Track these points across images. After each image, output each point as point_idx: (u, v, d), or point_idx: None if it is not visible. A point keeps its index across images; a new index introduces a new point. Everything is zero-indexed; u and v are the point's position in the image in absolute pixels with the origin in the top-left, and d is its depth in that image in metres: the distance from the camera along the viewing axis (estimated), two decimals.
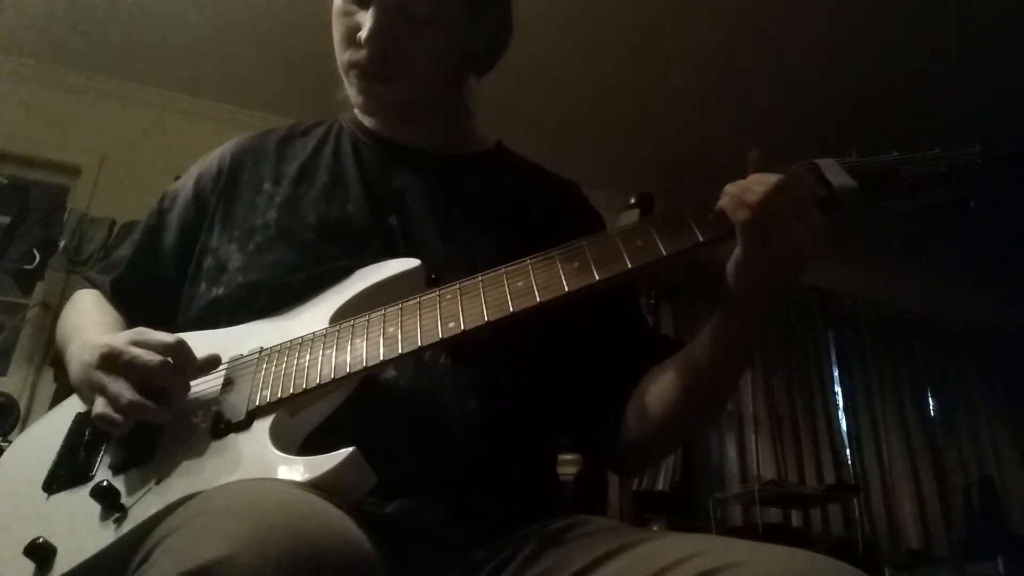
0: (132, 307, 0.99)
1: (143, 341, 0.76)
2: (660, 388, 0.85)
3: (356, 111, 1.04)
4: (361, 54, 0.93)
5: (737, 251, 0.71)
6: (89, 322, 0.93)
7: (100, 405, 0.74)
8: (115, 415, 0.72)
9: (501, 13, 1.01)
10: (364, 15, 0.92)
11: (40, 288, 3.18)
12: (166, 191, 1.06)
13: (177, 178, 1.06)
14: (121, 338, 0.77)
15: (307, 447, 0.73)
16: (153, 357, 0.74)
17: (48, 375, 3.01)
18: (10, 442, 2.44)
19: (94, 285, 1.03)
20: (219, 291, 0.90)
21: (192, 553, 0.49)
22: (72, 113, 3.46)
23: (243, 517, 0.51)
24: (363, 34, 0.91)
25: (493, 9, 1.00)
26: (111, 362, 0.75)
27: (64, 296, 3.15)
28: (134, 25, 3.25)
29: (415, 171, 0.98)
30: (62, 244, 3.18)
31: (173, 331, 0.90)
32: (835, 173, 0.72)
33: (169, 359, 0.75)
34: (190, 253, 0.97)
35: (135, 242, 1.04)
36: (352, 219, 0.92)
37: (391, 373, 0.81)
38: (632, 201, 1.53)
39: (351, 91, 0.97)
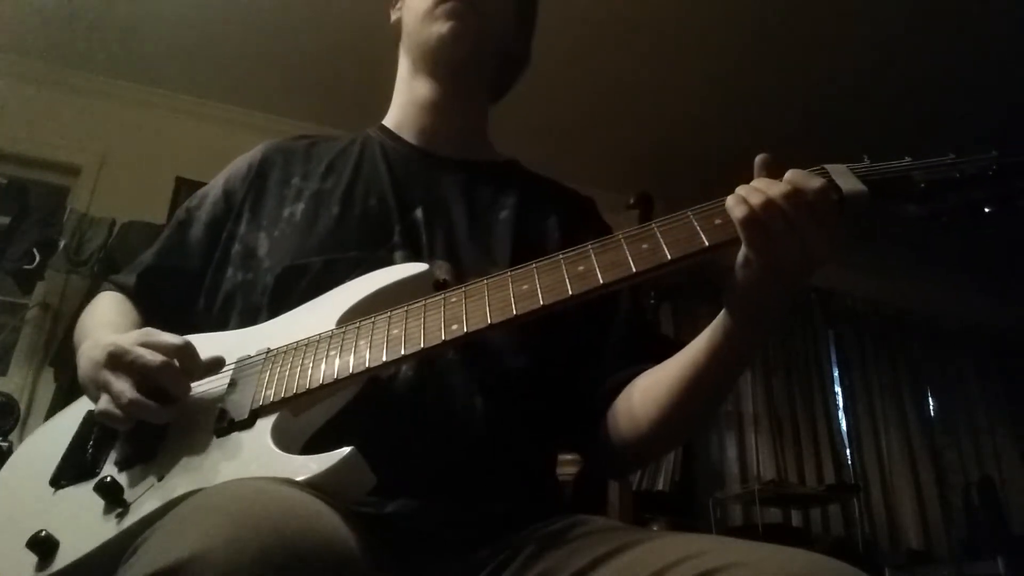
0: (155, 301, 1.00)
1: (149, 342, 0.77)
2: (655, 387, 0.85)
3: (399, 106, 1.10)
4: None
5: (742, 251, 0.71)
6: (101, 322, 0.94)
7: (104, 402, 0.75)
8: (116, 412, 0.74)
9: (531, 32, 1.15)
10: None
11: (40, 288, 3.16)
12: (195, 193, 1.09)
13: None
14: (128, 338, 0.78)
15: (311, 447, 0.74)
16: (156, 357, 0.75)
17: (48, 375, 3.01)
18: (10, 442, 2.45)
19: (117, 287, 1.04)
20: (248, 276, 0.93)
21: (169, 548, 0.50)
22: (72, 113, 3.46)
23: (224, 514, 0.52)
24: None
25: (529, 23, 1.15)
26: (116, 361, 0.76)
27: (64, 296, 3.16)
28: (134, 25, 3.25)
29: (441, 172, 1.02)
30: (62, 244, 3.17)
31: (194, 322, 0.94)
32: (845, 178, 0.71)
33: (174, 360, 0.76)
34: (216, 244, 0.99)
35: (163, 237, 1.06)
36: (375, 212, 0.96)
37: (396, 374, 0.81)
38: (632, 201, 1.53)
39: (435, 28, 1.01)
